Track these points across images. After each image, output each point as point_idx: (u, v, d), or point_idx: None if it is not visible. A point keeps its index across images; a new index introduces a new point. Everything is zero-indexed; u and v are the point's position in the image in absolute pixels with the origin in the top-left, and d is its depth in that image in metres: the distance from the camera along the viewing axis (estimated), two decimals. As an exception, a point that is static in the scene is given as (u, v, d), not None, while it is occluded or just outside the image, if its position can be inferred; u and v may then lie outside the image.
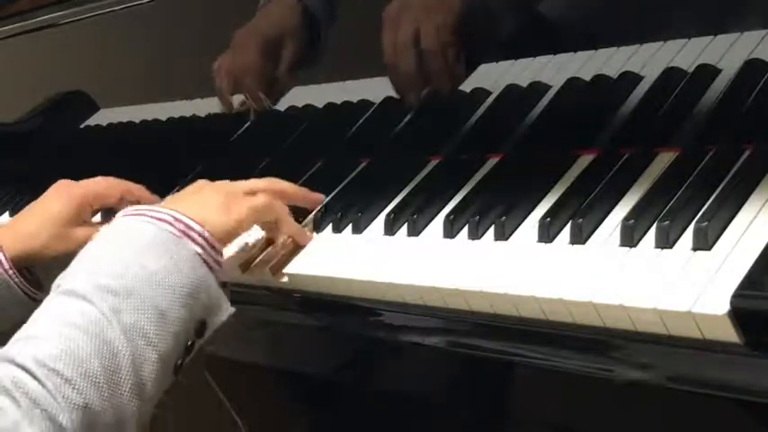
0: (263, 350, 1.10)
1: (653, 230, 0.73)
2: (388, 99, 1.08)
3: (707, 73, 0.85)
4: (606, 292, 0.71)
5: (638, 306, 0.68)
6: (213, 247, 0.83)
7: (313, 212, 1.00)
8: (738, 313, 0.64)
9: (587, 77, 0.93)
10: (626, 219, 0.75)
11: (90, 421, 0.71)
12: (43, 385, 0.70)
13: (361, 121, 1.11)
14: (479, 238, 0.84)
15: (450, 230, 0.87)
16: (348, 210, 0.97)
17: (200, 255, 0.81)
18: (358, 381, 1.05)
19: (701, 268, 0.68)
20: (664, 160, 0.82)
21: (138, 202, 1.12)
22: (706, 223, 0.70)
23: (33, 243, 1.03)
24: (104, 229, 0.84)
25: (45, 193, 1.07)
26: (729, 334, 0.65)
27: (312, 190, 1.02)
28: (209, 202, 0.87)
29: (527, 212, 0.84)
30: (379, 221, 0.94)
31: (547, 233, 0.80)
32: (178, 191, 1.16)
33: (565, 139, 0.90)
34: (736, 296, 0.64)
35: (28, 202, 1.41)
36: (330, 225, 0.98)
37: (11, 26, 1.44)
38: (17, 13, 1.42)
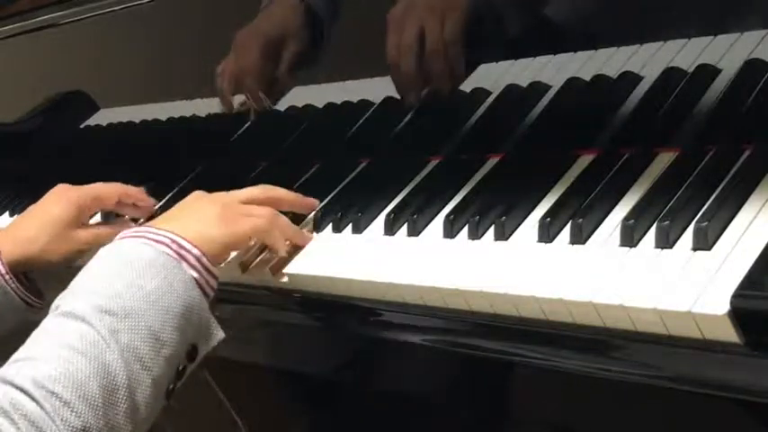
0: (263, 350, 1.10)
1: (653, 230, 0.73)
2: (388, 99, 1.08)
3: (707, 73, 0.85)
4: (606, 292, 0.71)
5: (638, 306, 0.68)
6: (209, 272, 0.84)
7: (313, 212, 1.00)
8: (738, 313, 0.64)
9: (587, 77, 0.93)
10: (626, 219, 0.75)
11: None
12: (42, 407, 0.70)
13: (361, 121, 1.11)
14: (479, 238, 0.84)
15: (450, 230, 0.87)
16: (348, 210, 0.97)
17: (195, 279, 0.82)
18: (358, 381, 1.05)
19: (701, 268, 0.68)
20: (664, 160, 0.82)
21: (135, 205, 1.12)
22: (706, 223, 0.70)
23: (32, 247, 1.03)
24: (103, 250, 0.84)
25: (43, 198, 1.08)
26: (729, 334, 0.65)
27: (312, 190, 1.02)
28: (207, 221, 0.87)
29: (527, 212, 0.84)
30: (379, 221, 0.94)
31: (547, 233, 0.80)
32: (178, 190, 1.16)
33: (565, 139, 0.90)
34: (736, 296, 0.64)
35: (28, 203, 1.41)
36: (330, 225, 0.98)
37: (11, 26, 1.44)
38: (17, 13, 1.42)
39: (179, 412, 0.81)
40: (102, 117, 1.44)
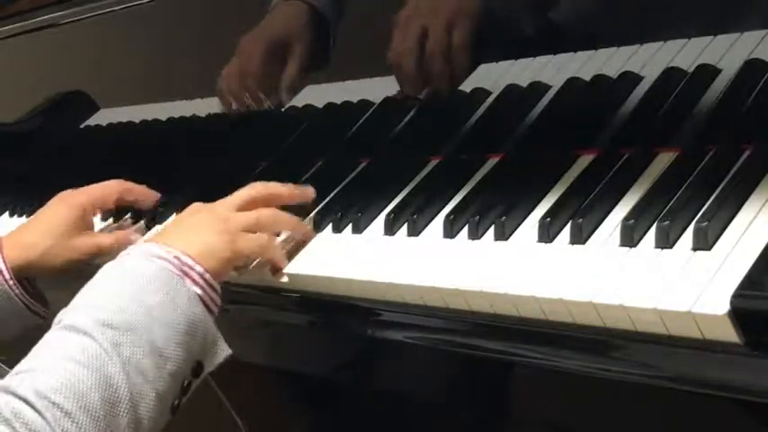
0: (263, 350, 1.10)
1: (653, 230, 0.73)
2: (388, 99, 1.08)
3: (707, 73, 0.85)
4: (606, 292, 0.70)
5: (638, 306, 0.68)
6: (212, 288, 0.84)
7: (313, 212, 1.00)
8: (738, 313, 0.64)
9: (587, 77, 0.93)
10: (626, 219, 0.75)
11: None
12: (43, 417, 0.71)
13: (361, 121, 1.11)
14: (479, 238, 0.84)
15: (450, 230, 0.87)
16: (348, 210, 0.97)
17: (199, 296, 0.82)
18: (358, 381, 1.05)
19: (701, 268, 0.68)
20: (664, 160, 0.82)
21: (137, 201, 1.13)
22: (706, 223, 0.70)
23: (35, 252, 1.04)
24: (107, 266, 0.85)
25: (47, 204, 1.08)
26: (729, 334, 0.65)
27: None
28: (209, 238, 0.87)
29: (527, 212, 0.84)
30: (379, 221, 0.94)
31: (547, 233, 0.80)
32: (178, 191, 1.16)
33: (565, 139, 0.90)
34: (736, 296, 0.64)
35: (28, 203, 1.41)
36: (330, 225, 0.98)
37: (11, 26, 1.44)
38: (17, 13, 1.42)
39: (179, 412, 0.81)
40: (102, 117, 1.44)
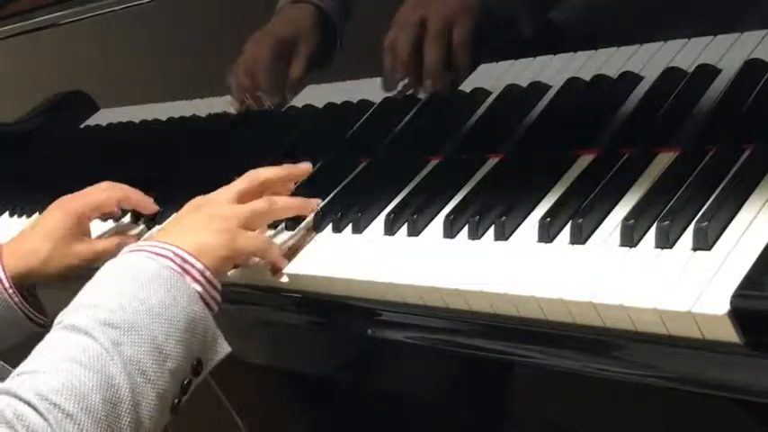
0: (263, 350, 1.10)
1: (653, 230, 0.73)
2: (387, 99, 1.08)
3: (707, 73, 0.85)
4: (606, 292, 0.70)
5: (638, 306, 0.68)
6: (212, 286, 0.84)
7: (313, 213, 1.00)
8: (738, 313, 0.64)
9: (587, 77, 0.93)
10: (626, 219, 0.75)
11: None
12: (45, 419, 0.71)
13: (361, 121, 1.11)
14: (479, 238, 0.84)
15: (450, 230, 0.87)
16: (348, 210, 0.97)
17: (199, 293, 0.82)
18: (358, 381, 1.05)
19: (701, 268, 0.68)
20: (664, 160, 0.82)
21: (135, 208, 1.13)
22: (706, 223, 0.70)
23: (34, 259, 1.04)
24: (107, 264, 0.85)
25: (45, 211, 1.09)
26: (729, 334, 0.65)
27: (312, 190, 1.02)
28: (208, 235, 0.87)
29: (527, 212, 0.84)
30: (379, 221, 0.94)
31: (547, 233, 0.80)
32: (178, 191, 1.16)
33: (565, 139, 0.90)
34: (736, 296, 0.64)
35: (28, 203, 1.41)
36: (330, 225, 0.98)
37: (11, 26, 1.44)
38: (17, 13, 1.42)
39: (179, 412, 0.81)
40: (102, 117, 1.44)
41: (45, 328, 1.06)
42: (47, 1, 1.35)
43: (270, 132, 1.22)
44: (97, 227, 1.18)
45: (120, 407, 0.74)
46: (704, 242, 0.70)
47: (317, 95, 1.15)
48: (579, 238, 0.78)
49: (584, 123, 0.91)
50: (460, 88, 1.02)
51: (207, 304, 0.83)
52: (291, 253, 0.96)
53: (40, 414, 0.70)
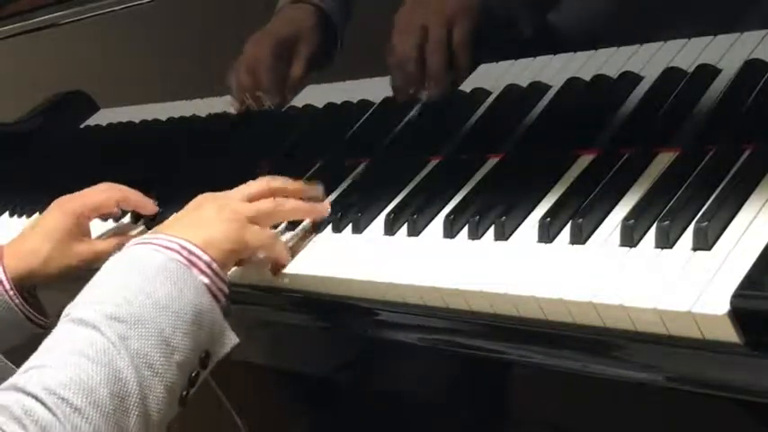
0: (263, 350, 1.10)
1: (653, 230, 0.73)
2: (388, 99, 1.08)
3: (707, 73, 0.85)
4: (606, 292, 0.70)
5: (638, 306, 0.68)
6: (220, 278, 0.84)
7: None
8: (738, 313, 0.64)
9: (587, 77, 0.93)
10: (626, 219, 0.75)
11: None
12: (53, 413, 0.70)
13: (361, 121, 1.11)
14: (479, 238, 0.84)
15: (450, 230, 0.87)
16: (348, 210, 0.97)
17: (206, 285, 0.82)
18: (358, 381, 1.05)
19: (701, 268, 0.68)
20: (664, 160, 0.82)
21: (135, 209, 1.13)
22: (706, 223, 0.70)
23: (34, 260, 1.04)
24: (113, 258, 0.84)
25: (43, 213, 1.09)
26: (729, 334, 0.64)
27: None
28: (215, 227, 0.87)
29: (527, 212, 0.84)
30: (379, 221, 0.94)
31: (547, 233, 0.80)
32: (178, 191, 1.16)
33: (565, 139, 0.90)
34: (736, 296, 0.64)
35: (28, 203, 1.41)
36: (330, 225, 0.98)
37: (11, 26, 1.44)
38: (17, 13, 1.42)
39: (179, 412, 0.81)
40: (102, 117, 1.44)
41: (45, 329, 1.06)
42: (47, 1, 1.35)
43: (270, 132, 1.22)
44: (97, 227, 1.18)
45: (127, 400, 0.74)
46: (704, 242, 0.70)
47: (317, 95, 1.15)
48: (579, 238, 0.78)
49: (584, 123, 0.91)
50: (460, 88, 1.02)
51: (214, 296, 0.83)
52: (291, 253, 0.96)
53: (49, 409, 0.70)
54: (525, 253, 0.80)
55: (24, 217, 1.42)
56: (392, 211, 0.93)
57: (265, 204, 0.93)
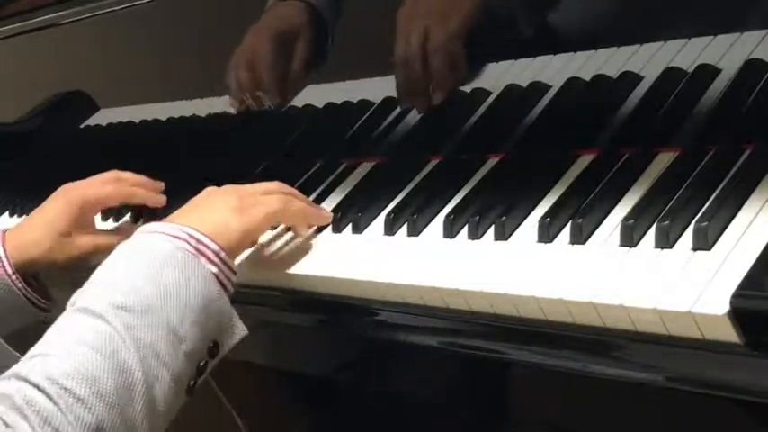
0: (263, 350, 1.10)
1: (653, 230, 0.73)
2: (388, 99, 1.08)
3: (707, 73, 0.85)
4: (606, 292, 0.70)
5: (638, 306, 0.68)
6: (228, 267, 0.83)
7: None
8: (738, 313, 0.64)
9: (587, 77, 0.93)
10: (626, 219, 0.75)
11: None
12: (55, 403, 0.70)
13: (361, 121, 1.11)
14: (479, 238, 0.84)
15: (450, 230, 0.87)
16: (348, 210, 0.97)
17: (214, 274, 0.82)
18: (358, 381, 1.05)
19: (701, 268, 0.68)
20: (664, 160, 0.82)
21: (144, 202, 1.12)
22: (706, 223, 0.70)
23: (37, 250, 1.04)
24: (121, 246, 0.84)
25: (47, 200, 1.08)
26: (729, 334, 0.64)
27: (312, 190, 1.02)
28: (223, 213, 0.87)
29: (527, 212, 0.84)
30: (379, 221, 0.94)
31: (547, 233, 0.80)
32: (178, 191, 1.16)
33: (565, 139, 0.90)
34: (736, 296, 0.64)
35: (28, 203, 1.41)
36: (330, 225, 0.98)
37: (11, 26, 1.44)
38: (17, 13, 1.42)
39: (179, 412, 0.81)
40: (102, 117, 1.44)
41: (48, 312, 1.05)
42: (47, 1, 1.35)
43: (270, 132, 1.22)
44: (98, 225, 1.18)
45: (133, 391, 0.73)
46: (704, 242, 0.70)
47: (317, 95, 1.15)
48: (579, 238, 0.78)
49: (584, 123, 0.91)
50: (460, 88, 1.02)
51: (222, 285, 0.82)
52: (291, 253, 0.96)
53: (51, 398, 0.70)
54: (525, 253, 0.80)
55: (24, 217, 1.42)
56: (392, 211, 0.93)
57: (275, 197, 0.92)
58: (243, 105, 1.20)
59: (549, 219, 0.80)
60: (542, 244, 0.80)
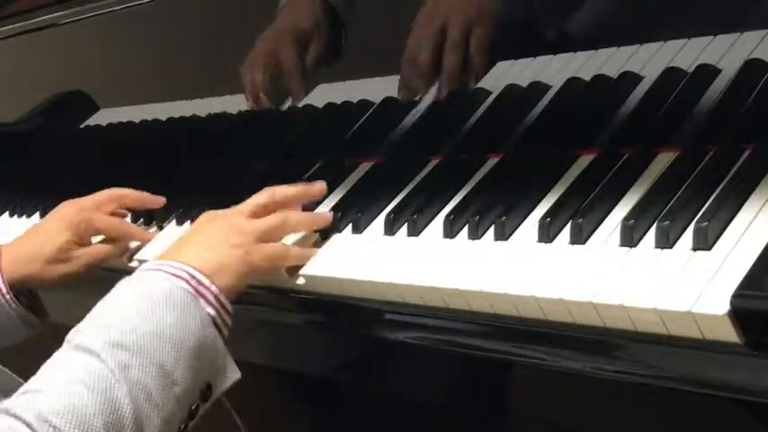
0: (263, 350, 1.10)
1: (653, 230, 0.73)
2: (388, 99, 1.08)
3: (707, 73, 0.85)
4: (606, 292, 0.71)
5: (638, 306, 0.68)
6: (225, 310, 0.83)
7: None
8: (738, 313, 0.64)
9: (587, 77, 0.93)
10: (626, 219, 0.75)
11: None
12: None
13: (361, 121, 1.11)
14: (479, 238, 0.84)
15: (450, 230, 0.87)
16: (348, 210, 0.97)
17: (211, 316, 0.82)
18: (358, 381, 1.05)
19: (701, 268, 0.68)
20: (664, 160, 0.82)
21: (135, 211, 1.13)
22: (706, 223, 0.70)
23: (33, 267, 1.04)
24: (122, 282, 0.84)
25: (46, 217, 1.09)
26: (729, 334, 0.65)
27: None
28: (223, 252, 0.86)
29: (527, 212, 0.84)
30: (379, 221, 0.94)
31: (547, 233, 0.80)
32: (178, 192, 1.16)
33: (565, 139, 0.90)
34: (736, 296, 0.64)
35: (28, 203, 1.41)
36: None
37: (11, 26, 1.44)
38: (17, 13, 1.42)
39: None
40: (102, 117, 1.44)
41: (44, 329, 1.05)
42: (47, 1, 1.35)
43: (270, 132, 1.22)
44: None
45: (122, 431, 0.73)
46: (704, 242, 0.70)
47: (317, 95, 1.15)
48: (579, 238, 0.78)
49: (584, 123, 0.91)
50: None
51: (218, 328, 0.82)
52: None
53: None
54: (525, 253, 0.80)
55: (24, 217, 1.42)
56: (392, 211, 0.93)
57: (272, 220, 0.91)
58: (258, 103, 1.19)
59: (549, 219, 0.80)
60: (542, 244, 0.80)
